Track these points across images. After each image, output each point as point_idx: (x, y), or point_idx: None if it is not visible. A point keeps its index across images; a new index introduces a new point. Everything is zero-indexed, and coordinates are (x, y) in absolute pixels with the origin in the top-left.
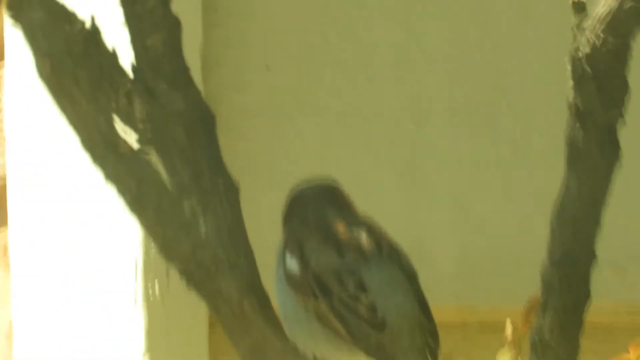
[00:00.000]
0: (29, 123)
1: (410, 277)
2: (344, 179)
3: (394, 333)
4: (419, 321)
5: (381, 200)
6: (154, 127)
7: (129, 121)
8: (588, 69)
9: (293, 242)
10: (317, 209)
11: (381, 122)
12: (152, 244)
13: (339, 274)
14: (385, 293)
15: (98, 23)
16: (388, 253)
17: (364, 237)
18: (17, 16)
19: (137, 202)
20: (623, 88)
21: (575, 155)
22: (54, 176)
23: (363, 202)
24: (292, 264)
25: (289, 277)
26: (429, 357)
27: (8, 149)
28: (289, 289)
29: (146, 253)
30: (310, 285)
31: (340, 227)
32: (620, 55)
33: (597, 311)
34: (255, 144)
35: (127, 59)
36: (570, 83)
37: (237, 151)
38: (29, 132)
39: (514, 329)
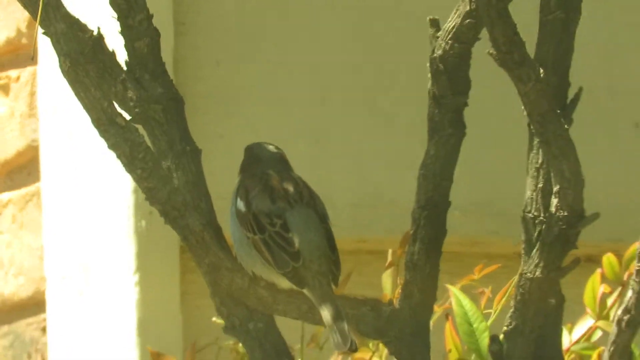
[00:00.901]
0: (57, 105)
1: (322, 218)
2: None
3: (306, 262)
4: (326, 252)
5: (297, 158)
6: (140, 107)
7: (123, 103)
8: (441, 66)
9: (242, 188)
10: (262, 165)
11: (296, 102)
12: (140, 192)
13: (270, 216)
14: (302, 231)
15: (102, 32)
16: (307, 201)
17: (291, 189)
18: (46, 28)
19: (130, 162)
20: (466, 81)
21: (433, 129)
22: (75, 145)
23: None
24: (240, 205)
25: (237, 214)
26: (331, 280)
27: (41, 122)
28: (237, 223)
29: (136, 199)
30: (251, 223)
31: (275, 181)
32: (464, 57)
33: (450, 243)
34: (211, 118)
35: (122, 57)
36: (429, 76)
37: (199, 125)
38: (57, 112)
39: (394, 255)
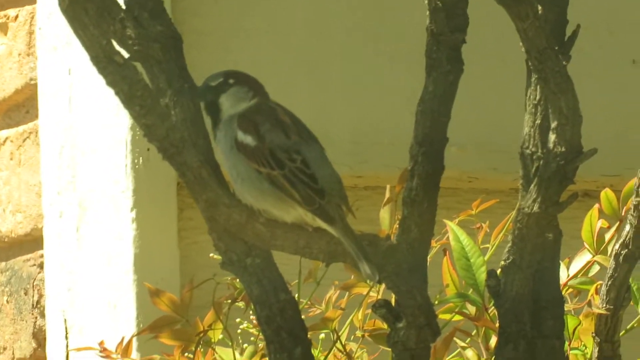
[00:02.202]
0: (56, 44)
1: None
2: (269, 79)
3: (328, 196)
4: (340, 186)
5: (296, 94)
6: (139, 45)
7: (122, 41)
8: (439, 3)
9: (246, 122)
10: (257, 96)
11: (295, 38)
12: (138, 129)
13: (288, 151)
14: (320, 166)
15: None
16: (313, 137)
17: (300, 125)
18: None
19: (128, 99)
20: (464, 18)
21: (431, 65)
22: (73, 83)
23: (282, 97)
24: (246, 138)
25: (241, 147)
26: (344, 210)
27: (39, 61)
28: (241, 156)
29: (133, 135)
30: (266, 157)
31: (283, 115)
32: None
33: (448, 178)
34: (210, 54)
35: None
36: (427, 13)
37: (197, 61)
38: (55, 50)
39: (392, 191)
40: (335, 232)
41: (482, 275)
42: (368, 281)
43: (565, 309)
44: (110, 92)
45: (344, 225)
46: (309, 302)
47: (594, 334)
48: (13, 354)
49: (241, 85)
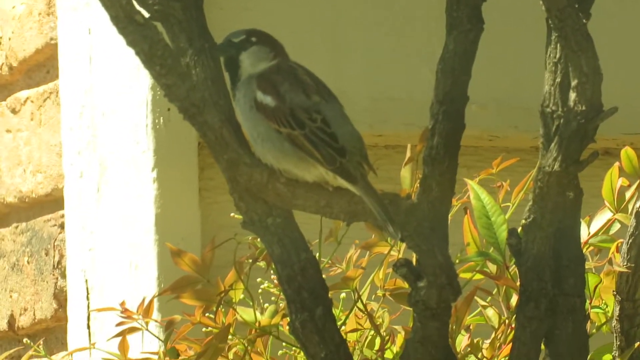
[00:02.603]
0: (76, 3)
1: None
2: (286, 39)
3: (349, 155)
4: (361, 144)
5: (314, 52)
6: (159, 4)
7: (142, 1)
8: None
9: (266, 82)
10: (275, 55)
11: (312, 2)
12: (158, 89)
13: (309, 111)
14: (340, 125)
15: None
16: (333, 96)
17: (320, 85)
18: None
19: (149, 59)
20: None
21: (451, 24)
22: (93, 43)
23: (300, 56)
24: (266, 99)
25: (260, 107)
26: (365, 168)
27: (59, 20)
28: (261, 116)
29: (154, 95)
30: (287, 118)
31: (303, 75)
32: None
33: (469, 137)
34: (229, 13)
35: None
36: None
37: (217, 20)
38: (76, 9)
39: (413, 150)
40: (357, 190)
41: (503, 234)
42: (389, 240)
43: (586, 267)
44: (131, 52)
45: (366, 183)
46: (329, 262)
47: (614, 292)
48: (34, 314)
49: (263, 44)
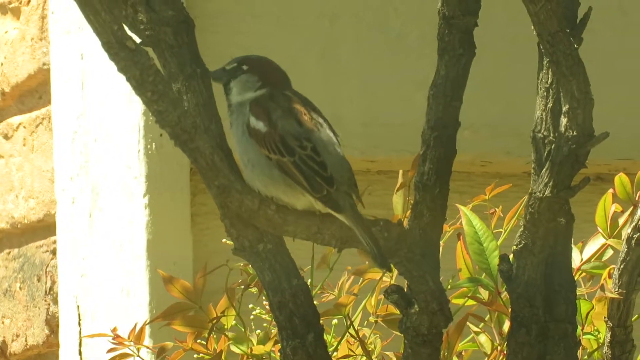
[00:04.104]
0: (68, 28)
1: (337, 138)
2: (280, 63)
3: (337, 184)
4: (350, 174)
5: (307, 76)
6: (151, 29)
7: (133, 26)
8: None
9: (259, 108)
10: (273, 83)
11: (303, 21)
12: (151, 115)
13: (299, 138)
14: (330, 153)
15: None
16: (325, 122)
17: (313, 112)
18: None
19: (140, 85)
20: (476, 1)
21: (443, 49)
22: (85, 68)
23: (293, 81)
24: (258, 124)
25: (252, 133)
26: (353, 198)
27: (52, 46)
28: (252, 142)
29: (146, 121)
30: (277, 144)
31: (297, 103)
32: None
33: (461, 162)
34: (221, 38)
35: None
36: None
37: (209, 45)
38: (68, 35)
39: (405, 176)
40: (345, 219)
41: (495, 260)
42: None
43: (578, 293)
44: (123, 77)
45: (354, 213)
46: (321, 288)
47: (606, 319)
48: (26, 340)
49: (252, 73)
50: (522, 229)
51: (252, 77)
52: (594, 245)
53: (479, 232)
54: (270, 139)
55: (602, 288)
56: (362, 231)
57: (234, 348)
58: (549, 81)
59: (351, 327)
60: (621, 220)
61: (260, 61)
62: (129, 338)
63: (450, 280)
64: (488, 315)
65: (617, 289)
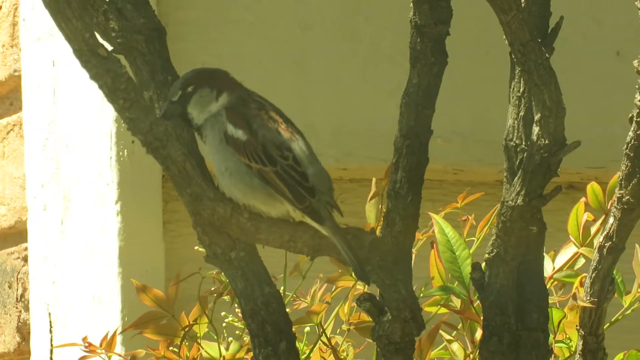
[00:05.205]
0: (40, 35)
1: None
2: (252, 71)
3: (318, 194)
4: (330, 184)
5: (279, 85)
6: (123, 37)
7: (105, 34)
8: None
9: (237, 116)
10: (241, 91)
11: (276, 29)
12: (122, 122)
13: (280, 148)
14: (310, 163)
15: None
16: (300, 133)
17: (289, 122)
18: None
19: (112, 93)
20: (448, 10)
21: (415, 57)
22: (57, 75)
23: (265, 89)
24: (237, 132)
25: (231, 141)
26: (331, 209)
27: (23, 52)
28: (230, 150)
29: (118, 128)
30: (258, 153)
31: (273, 112)
32: None
33: (433, 171)
34: (193, 45)
35: None
36: (411, 4)
37: (181, 52)
38: (39, 42)
39: (378, 184)
40: (324, 231)
41: (467, 268)
42: (354, 274)
43: (550, 301)
44: (95, 85)
45: (334, 224)
46: (294, 296)
47: (578, 327)
48: None
49: (201, 88)
50: (494, 237)
51: (204, 90)
52: (566, 253)
53: (452, 240)
54: (251, 147)
55: (574, 296)
56: (342, 243)
57: (206, 356)
58: (521, 90)
59: (323, 335)
60: (593, 229)
61: (199, 74)
62: (100, 346)
63: (423, 289)
64: (460, 324)
65: (589, 298)
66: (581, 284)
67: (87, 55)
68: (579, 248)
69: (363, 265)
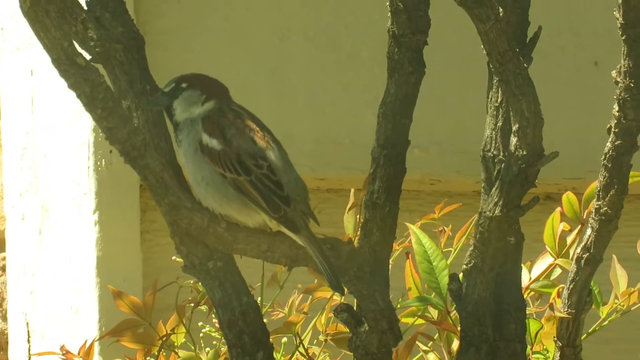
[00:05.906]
0: (18, 44)
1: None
2: (230, 80)
3: (293, 203)
4: (305, 193)
5: (258, 94)
6: (101, 46)
7: (84, 43)
8: (401, 5)
9: (212, 125)
10: (219, 99)
11: (255, 39)
12: (100, 132)
13: (255, 157)
14: (285, 172)
15: None
16: (277, 142)
17: (265, 131)
18: None
19: (90, 102)
20: (426, 20)
21: (393, 67)
22: (35, 84)
23: (244, 98)
24: (212, 142)
25: (205, 150)
26: (307, 218)
27: (1, 61)
28: (205, 159)
29: (96, 137)
30: (232, 162)
31: (251, 122)
32: None
33: (411, 181)
34: (172, 54)
35: None
36: (389, 14)
37: (159, 60)
38: (18, 50)
39: (357, 195)
40: (300, 240)
41: (444, 279)
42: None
43: (527, 312)
44: (73, 93)
45: (309, 233)
46: (271, 306)
47: (555, 338)
48: None
49: (193, 89)
50: (471, 248)
51: (195, 92)
52: (542, 264)
53: (429, 251)
54: (225, 157)
55: (551, 307)
56: (317, 253)
57: None
58: (499, 100)
59: (301, 345)
60: (569, 239)
61: (198, 76)
62: (78, 354)
63: (400, 299)
64: (437, 334)
65: (566, 309)
66: (558, 295)
67: (66, 64)
68: (555, 258)
69: (337, 275)
